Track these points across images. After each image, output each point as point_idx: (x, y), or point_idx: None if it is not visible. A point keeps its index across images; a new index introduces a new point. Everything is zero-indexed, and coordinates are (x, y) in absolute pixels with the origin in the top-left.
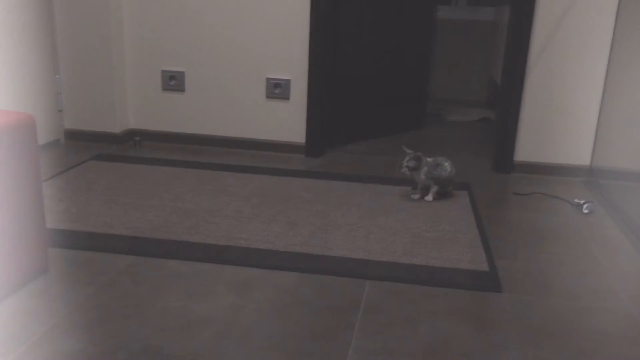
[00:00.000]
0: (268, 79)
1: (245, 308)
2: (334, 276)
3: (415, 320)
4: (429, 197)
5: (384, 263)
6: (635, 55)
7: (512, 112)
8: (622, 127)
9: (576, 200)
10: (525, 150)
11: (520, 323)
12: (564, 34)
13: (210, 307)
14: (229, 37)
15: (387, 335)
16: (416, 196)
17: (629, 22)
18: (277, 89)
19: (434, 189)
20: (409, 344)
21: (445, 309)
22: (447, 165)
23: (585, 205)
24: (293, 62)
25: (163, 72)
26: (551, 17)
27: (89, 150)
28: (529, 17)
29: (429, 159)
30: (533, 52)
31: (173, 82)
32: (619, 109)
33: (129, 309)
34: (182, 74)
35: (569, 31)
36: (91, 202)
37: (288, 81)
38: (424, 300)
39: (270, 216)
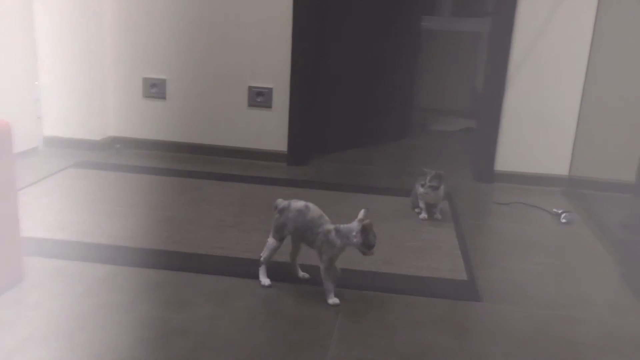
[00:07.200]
0: (250, 87)
1: (224, 318)
2: (314, 285)
3: (393, 330)
4: (439, 216)
5: (364, 272)
6: (611, 66)
7: (493, 122)
8: (599, 137)
9: (555, 210)
10: (506, 160)
11: (498, 332)
12: (543, 46)
13: (188, 317)
14: (211, 45)
15: (365, 345)
16: (424, 215)
17: (605, 34)
18: (260, 98)
19: (442, 204)
20: (387, 353)
21: (424, 318)
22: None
23: (563, 215)
24: (275, 70)
25: (144, 79)
26: (530, 29)
27: (68, 158)
28: (508, 29)
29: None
30: (513, 63)
31: (154, 89)
32: (597, 120)
33: (106, 319)
34: (163, 81)
35: (547, 43)
36: (69, 210)
37: (270, 89)
38: (403, 309)
39: (250, 225)
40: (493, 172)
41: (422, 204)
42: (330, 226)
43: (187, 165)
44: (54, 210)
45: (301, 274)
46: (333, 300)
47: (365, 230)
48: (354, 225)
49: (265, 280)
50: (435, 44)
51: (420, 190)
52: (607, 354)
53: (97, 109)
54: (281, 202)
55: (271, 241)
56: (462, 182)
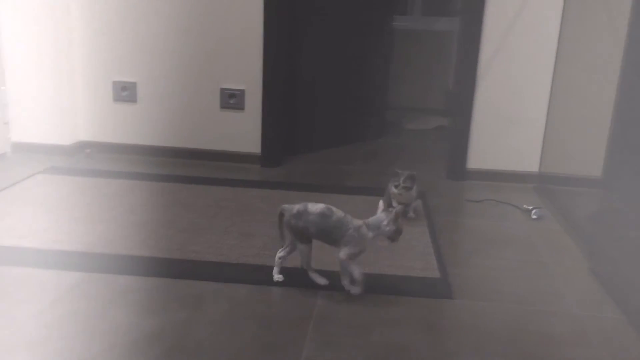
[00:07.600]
0: (222, 89)
1: (198, 322)
2: (287, 287)
3: (367, 329)
4: (412, 215)
5: (337, 273)
6: (578, 64)
7: (464, 120)
8: (567, 134)
9: (525, 206)
10: (478, 158)
11: (471, 329)
12: (512, 44)
13: (161, 323)
14: (182, 47)
15: (339, 346)
16: None
17: (572, 31)
18: (232, 99)
19: (416, 203)
20: (361, 353)
21: (397, 316)
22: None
23: (533, 211)
24: (248, 72)
25: (114, 82)
26: (499, 27)
27: (37, 163)
28: (477, 27)
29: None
30: (482, 61)
31: (125, 92)
32: (565, 117)
33: (76, 327)
34: (134, 84)
35: (516, 41)
36: (39, 217)
37: (243, 91)
38: (376, 308)
39: (224, 228)
40: (465, 170)
41: (395, 204)
42: (359, 222)
43: (159, 168)
44: (23, 218)
45: (277, 276)
46: (355, 289)
47: (397, 216)
48: (382, 216)
49: (321, 280)
50: (408, 43)
51: (394, 190)
52: (576, 347)
53: (66, 113)
54: (291, 207)
55: (301, 247)
56: (435, 180)
